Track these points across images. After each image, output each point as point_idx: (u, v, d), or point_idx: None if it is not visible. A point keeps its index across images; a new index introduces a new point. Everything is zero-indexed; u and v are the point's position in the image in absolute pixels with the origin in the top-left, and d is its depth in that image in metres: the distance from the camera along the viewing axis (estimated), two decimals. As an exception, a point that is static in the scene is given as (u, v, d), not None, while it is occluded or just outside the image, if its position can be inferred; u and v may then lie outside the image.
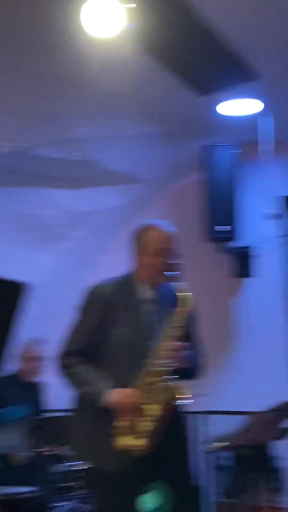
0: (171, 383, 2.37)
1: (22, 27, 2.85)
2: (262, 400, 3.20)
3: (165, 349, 2.39)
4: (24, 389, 3.91)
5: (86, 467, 3.31)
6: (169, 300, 2.56)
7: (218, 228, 4.12)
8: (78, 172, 4.24)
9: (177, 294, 2.51)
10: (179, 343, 2.41)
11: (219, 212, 4.13)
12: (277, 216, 4.15)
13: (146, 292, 2.52)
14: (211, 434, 4.30)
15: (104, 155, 4.15)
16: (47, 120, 3.64)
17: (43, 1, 2.69)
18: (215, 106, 3.73)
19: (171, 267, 2.50)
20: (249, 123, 4.00)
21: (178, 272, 2.51)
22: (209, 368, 4.29)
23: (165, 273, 2.48)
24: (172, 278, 2.48)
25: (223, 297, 4.45)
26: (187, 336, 2.48)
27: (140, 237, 2.55)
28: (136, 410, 2.32)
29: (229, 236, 4.19)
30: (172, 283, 2.50)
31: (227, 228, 4.13)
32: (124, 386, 2.37)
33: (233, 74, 3.43)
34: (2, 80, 3.25)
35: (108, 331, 2.44)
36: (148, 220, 2.67)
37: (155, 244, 2.50)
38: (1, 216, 4.28)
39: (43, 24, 2.82)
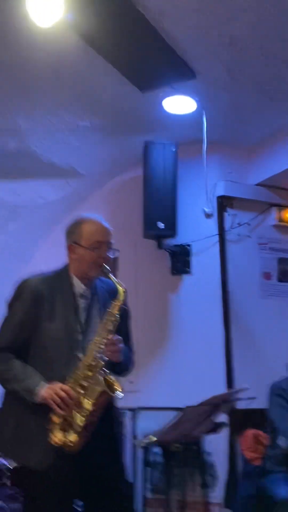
0: (104, 377, 2.35)
1: None
2: (195, 397, 3.23)
3: (100, 342, 2.37)
4: None
5: (15, 465, 3.27)
6: (102, 294, 2.54)
7: (157, 225, 4.13)
8: (14, 163, 4.13)
9: (112, 288, 2.49)
10: (113, 336, 2.39)
11: (159, 209, 4.15)
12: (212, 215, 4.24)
13: (79, 286, 2.49)
14: (142, 430, 4.33)
15: (42, 147, 4.06)
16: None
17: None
18: (157, 102, 3.74)
19: (106, 261, 2.47)
20: (187, 121, 4.04)
21: (111, 267, 2.50)
22: (144, 363, 4.34)
23: (99, 267, 2.45)
24: (106, 272, 2.45)
25: (161, 293, 4.48)
26: (119, 330, 2.47)
27: (74, 230, 2.51)
28: (69, 405, 2.29)
29: (168, 233, 4.21)
30: (106, 277, 2.48)
31: (167, 225, 4.15)
32: (57, 380, 2.33)
33: (171, 71, 3.44)
34: None
35: (39, 326, 2.39)
36: (82, 213, 2.65)
37: (90, 237, 2.47)
38: None
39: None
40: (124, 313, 2.51)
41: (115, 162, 4.58)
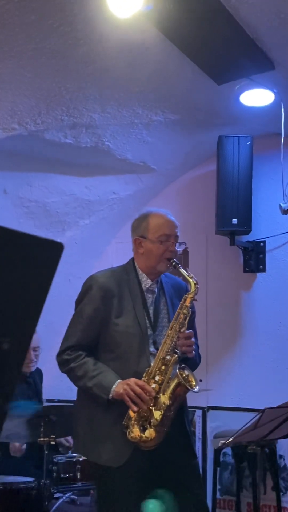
0: (178, 371, 2.31)
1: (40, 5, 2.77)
2: (267, 398, 3.13)
3: (173, 336, 2.33)
4: (24, 379, 3.84)
5: (86, 458, 3.27)
6: (168, 289, 2.52)
7: (231, 221, 4.03)
8: (88, 159, 4.15)
9: (177, 283, 2.50)
10: (187, 331, 2.35)
11: (233, 205, 4.04)
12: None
13: (146, 281, 2.46)
14: (212, 429, 4.25)
15: (116, 143, 4.06)
16: (60, 103, 3.54)
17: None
18: (233, 95, 3.65)
19: (173, 254, 2.43)
20: (263, 114, 3.93)
21: (180, 261, 2.46)
22: (215, 362, 4.26)
23: (167, 260, 2.42)
24: (175, 266, 2.41)
25: (233, 291, 4.38)
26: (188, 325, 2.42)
27: (141, 224, 2.48)
28: (145, 400, 2.25)
29: (242, 229, 4.10)
30: (176, 270, 2.44)
31: (241, 221, 4.04)
32: (129, 376, 2.30)
33: (250, 62, 3.34)
34: (13, 60, 3.16)
35: (109, 322, 2.37)
36: (148, 207, 2.61)
37: (157, 230, 2.43)
38: (8, 201, 4.19)
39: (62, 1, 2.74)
40: (191, 308, 2.47)
41: (188, 157, 4.51)
